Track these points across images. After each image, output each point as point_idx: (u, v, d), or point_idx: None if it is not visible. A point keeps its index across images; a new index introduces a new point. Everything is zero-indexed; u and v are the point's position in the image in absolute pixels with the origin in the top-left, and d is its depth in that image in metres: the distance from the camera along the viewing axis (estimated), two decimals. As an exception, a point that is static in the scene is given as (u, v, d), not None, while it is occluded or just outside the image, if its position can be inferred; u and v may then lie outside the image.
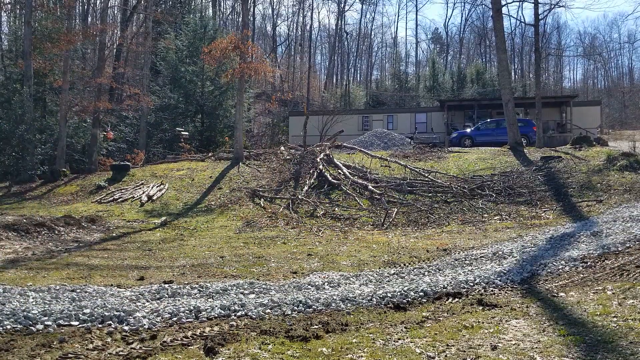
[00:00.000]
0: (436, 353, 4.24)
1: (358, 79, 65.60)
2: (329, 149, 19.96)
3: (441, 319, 5.30)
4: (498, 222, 12.57)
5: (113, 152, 27.44)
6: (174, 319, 5.20)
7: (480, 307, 5.66)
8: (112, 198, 16.57)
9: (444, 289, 6.47)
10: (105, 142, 26.71)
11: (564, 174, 16.34)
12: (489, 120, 28.23)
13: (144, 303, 5.70)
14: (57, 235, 11.38)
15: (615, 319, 4.88)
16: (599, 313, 5.11)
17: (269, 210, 14.54)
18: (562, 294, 6.08)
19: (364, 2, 62.72)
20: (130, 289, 6.38)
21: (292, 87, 54.21)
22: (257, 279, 7.18)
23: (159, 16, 29.70)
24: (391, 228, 12.52)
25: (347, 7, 74.25)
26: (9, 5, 29.54)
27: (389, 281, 7.01)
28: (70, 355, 4.23)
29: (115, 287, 6.53)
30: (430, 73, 50.25)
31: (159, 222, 13.72)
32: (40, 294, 6.00)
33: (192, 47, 30.91)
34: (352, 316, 5.48)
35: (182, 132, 27.54)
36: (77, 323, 4.98)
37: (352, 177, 16.63)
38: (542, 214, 13.05)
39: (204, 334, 4.79)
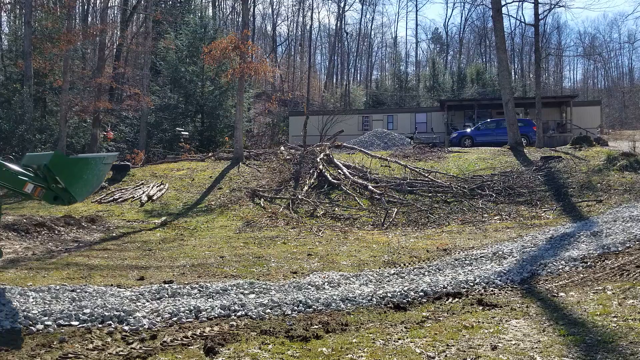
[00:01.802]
0: (436, 353, 4.24)
1: (358, 79, 65.65)
2: (329, 149, 19.96)
3: (441, 319, 5.31)
4: (498, 222, 12.57)
5: (113, 152, 27.43)
6: (174, 319, 5.20)
7: (480, 307, 5.67)
8: (112, 198, 16.57)
9: (444, 289, 6.47)
10: (105, 142, 26.71)
11: (564, 174, 16.34)
12: (489, 120, 28.23)
13: (144, 303, 5.69)
14: (57, 235, 11.37)
15: (615, 319, 4.89)
16: (599, 313, 5.11)
17: (269, 210, 14.54)
18: (562, 294, 6.09)
19: (364, 2, 62.82)
20: (130, 289, 6.38)
21: (292, 87, 54.23)
22: (257, 279, 7.18)
23: (159, 16, 29.69)
24: (391, 228, 12.52)
25: (347, 7, 74.18)
26: (9, 5, 29.53)
27: (389, 281, 7.01)
28: (70, 355, 4.23)
29: (115, 287, 6.53)
30: (430, 73, 50.30)
31: (159, 222, 13.72)
32: (40, 294, 5.99)
33: (192, 47, 30.92)
34: (352, 316, 5.48)
35: (182, 132, 27.54)
36: (77, 323, 4.97)
37: (352, 177, 16.63)
38: (542, 214, 13.05)
39: (204, 334, 4.79)
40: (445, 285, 6.61)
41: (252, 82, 35.06)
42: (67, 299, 5.78)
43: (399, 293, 6.27)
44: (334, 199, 15.38)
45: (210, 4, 53.43)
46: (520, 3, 35.45)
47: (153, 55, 32.12)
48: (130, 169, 19.98)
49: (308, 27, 64.69)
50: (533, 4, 24.13)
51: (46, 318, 5.00)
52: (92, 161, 6.10)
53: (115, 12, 42.61)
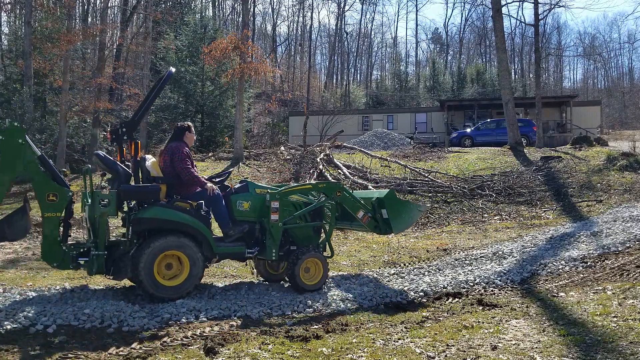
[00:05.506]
0: (436, 353, 4.23)
1: (358, 79, 65.61)
2: (329, 149, 19.96)
3: (441, 319, 5.30)
4: (498, 222, 12.57)
5: (113, 152, 27.42)
6: (174, 319, 5.20)
7: (480, 307, 5.66)
8: (112, 198, 16.55)
9: (444, 289, 6.48)
10: (105, 142, 26.66)
11: (564, 174, 16.33)
12: (489, 120, 28.22)
13: (144, 303, 5.69)
14: (57, 235, 11.35)
15: (615, 319, 4.88)
16: (599, 313, 5.11)
17: (269, 210, 14.53)
18: (562, 294, 6.09)
19: (364, 2, 62.74)
20: (130, 289, 6.38)
21: (292, 87, 54.21)
22: (257, 279, 7.18)
23: (159, 16, 29.67)
24: (391, 228, 12.51)
25: (347, 7, 74.08)
26: (9, 5, 29.52)
27: (389, 281, 7.01)
28: (70, 355, 4.23)
29: (116, 287, 6.53)
30: (430, 73, 50.27)
31: (159, 222, 13.70)
32: (40, 294, 5.99)
33: (192, 47, 30.87)
34: (352, 316, 5.48)
35: (182, 132, 27.46)
36: (77, 323, 4.97)
37: (352, 177, 16.62)
38: (542, 214, 13.04)
39: (204, 334, 4.79)
40: (445, 285, 6.61)
41: (252, 82, 35.01)
42: (67, 299, 5.78)
43: (399, 293, 6.27)
44: (334, 199, 15.37)
45: (210, 4, 53.44)
46: (520, 3, 35.42)
47: (153, 55, 32.08)
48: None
49: (308, 27, 64.68)
50: (533, 4, 24.15)
51: (46, 318, 4.99)
52: (412, 206, 7.55)
53: (115, 12, 42.58)
